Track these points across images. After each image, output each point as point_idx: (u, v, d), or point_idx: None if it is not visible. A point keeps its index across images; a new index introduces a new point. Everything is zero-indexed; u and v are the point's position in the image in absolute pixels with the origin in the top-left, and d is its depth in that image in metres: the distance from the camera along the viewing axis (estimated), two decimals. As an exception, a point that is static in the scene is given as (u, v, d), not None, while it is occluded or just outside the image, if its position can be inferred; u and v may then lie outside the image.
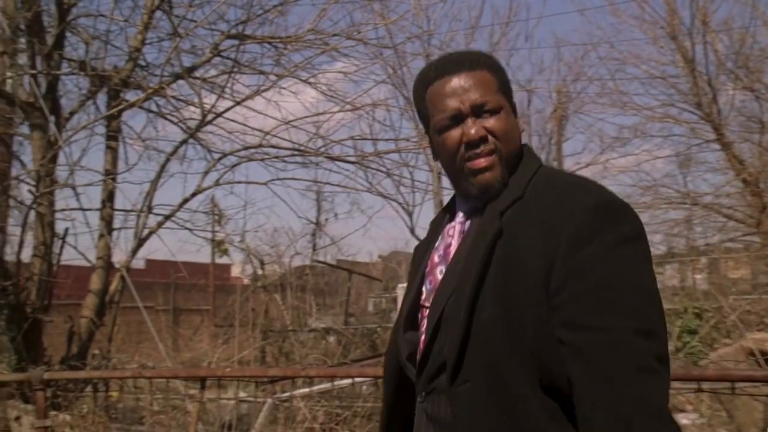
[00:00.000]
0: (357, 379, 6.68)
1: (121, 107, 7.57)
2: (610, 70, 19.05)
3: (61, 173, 7.63)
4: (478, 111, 1.48)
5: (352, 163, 8.74)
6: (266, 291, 10.08)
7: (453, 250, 1.53)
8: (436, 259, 1.57)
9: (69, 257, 8.28)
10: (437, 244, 1.60)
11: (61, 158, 7.55)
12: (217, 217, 8.78)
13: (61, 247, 7.75)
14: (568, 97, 15.55)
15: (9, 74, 7.27)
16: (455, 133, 1.49)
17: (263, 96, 8.10)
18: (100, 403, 5.89)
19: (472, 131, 1.46)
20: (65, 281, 8.25)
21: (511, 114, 1.53)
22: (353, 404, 5.77)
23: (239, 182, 8.20)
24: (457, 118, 1.48)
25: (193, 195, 7.79)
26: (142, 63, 8.14)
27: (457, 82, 1.49)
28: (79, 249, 7.89)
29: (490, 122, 1.48)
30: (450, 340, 1.40)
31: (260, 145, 8.15)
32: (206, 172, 7.89)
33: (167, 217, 7.94)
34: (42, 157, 7.20)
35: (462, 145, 1.48)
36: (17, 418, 4.46)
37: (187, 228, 8.36)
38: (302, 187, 12.93)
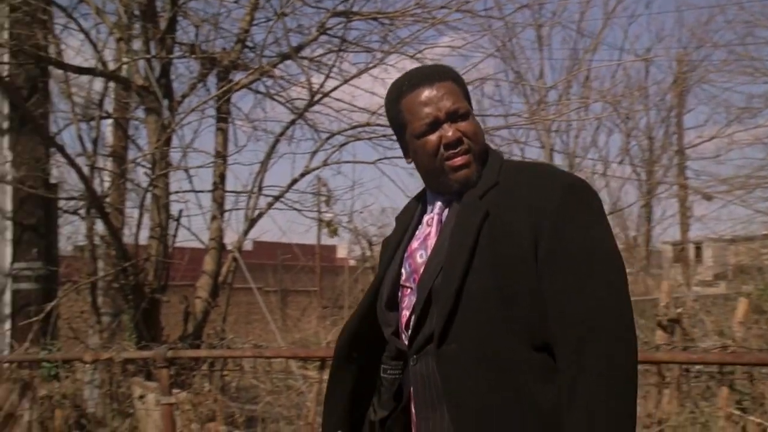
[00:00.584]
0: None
1: (230, 89, 7.78)
2: (739, 35, 18.03)
3: (174, 156, 7.94)
4: (452, 116, 1.74)
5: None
6: (374, 272, 10.18)
7: (432, 236, 1.76)
8: (414, 245, 1.80)
9: (183, 239, 8.63)
10: (417, 232, 1.81)
11: (174, 141, 7.84)
12: (325, 198, 8.92)
13: (176, 229, 8.08)
14: (691, 65, 14.83)
15: (125, 59, 7.59)
16: (433, 137, 1.74)
17: (370, 74, 8.13)
18: (216, 382, 6.12)
19: (450, 134, 1.73)
20: (180, 262, 8.59)
21: (475, 117, 1.79)
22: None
23: (347, 162, 8.28)
24: (435, 124, 1.74)
25: (302, 175, 7.93)
26: (250, 44, 8.33)
27: (430, 92, 1.75)
28: (192, 230, 8.22)
29: (463, 125, 1.74)
30: (439, 311, 1.63)
31: (367, 124, 8.19)
32: (314, 152, 8.01)
33: (277, 198, 8.12)
34: (157, 140, 7.50)
35: (441, 147, 1.73)
36: (141, 397, 4.69)
37: (295, 209, 8.53)
38: (410, 167, 12.87)
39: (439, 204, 1.81)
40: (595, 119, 16.55)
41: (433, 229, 1.78)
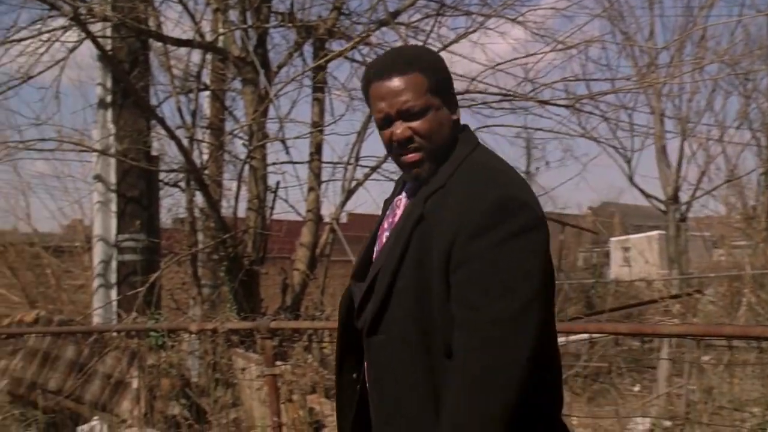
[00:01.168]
0: (573, 338, 6.55)
1: (326, 58, 7.83)
2: None
3: (271, 127, 8.09)
4: (404, 115, 1.74)
5: (564, 106, 8.48)
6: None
7: (396, 221, 1.85)
8: (385, 225, 1.91)
9: (280, 210, 8.79)
10: (388, 212, 1.92)
11: (271, 112, 7.98)
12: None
13: (273, 201, 8.26)
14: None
15: (222, 30, 7.75)
16: (387, 132, 1.78)
17: (469, 39, 8.03)
18: (316, 354, 6.25)
19: (398, 132, 1.75)
20: (277, 234, 8.78)
21: (441, 110, 1.79)
22: (574, 364, 5.66)
23: (445, 131, 8.21)
24: (387, 120, 1.76)
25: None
26: (346, 11, 8.35)
27: (388, 86, 1.75)
28: (289, 202, 8.38)
29: (416, 124, 1.75)
30: (371, 304, 1.77)
31: (466, 92, 8.10)
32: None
33: (374, 169, 8.17)
34: (254, 111, 7.64)
35: (393, 143, 1.77)
36: (243, 369, 4.84)
37: (392, 180, 8.56)
38: (511, 134, 12.73)
39: (408, 186, 1.88)
40: (711, 81, 15.80)
41: (399, 212, 1.88)
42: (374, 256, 1.91)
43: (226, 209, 8.44)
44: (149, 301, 7.45)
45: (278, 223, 9.06)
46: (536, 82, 8.24)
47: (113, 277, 8.07)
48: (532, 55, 8.29)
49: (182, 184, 8.17)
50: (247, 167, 7.91)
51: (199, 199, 8.18)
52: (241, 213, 8.28)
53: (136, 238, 8.00)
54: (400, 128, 1.76)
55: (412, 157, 1.79)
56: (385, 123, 1.79)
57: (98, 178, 8.08)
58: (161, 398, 5.98)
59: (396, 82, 1.76)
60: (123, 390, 6.81)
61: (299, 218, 8.34)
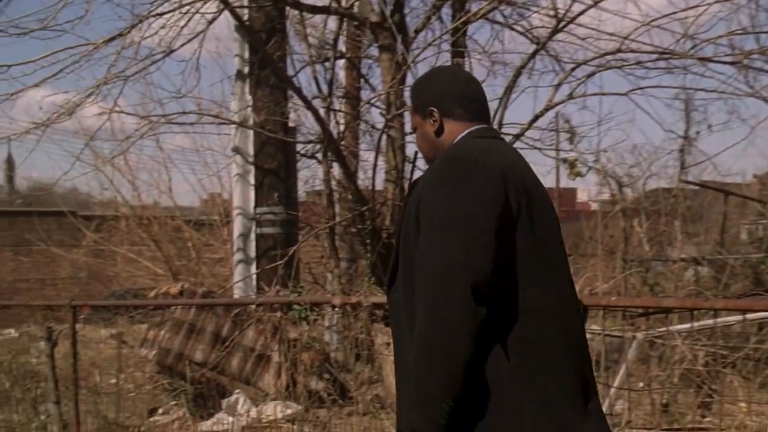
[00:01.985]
0: (732, 318, 6.18)
1: (466, 20, 7.70)
2: None
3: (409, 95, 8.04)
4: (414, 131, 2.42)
5: (730, 63, 7.94)
6: (625, 216, 9.77)
7: None
8: None
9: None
10: None
11: (409, 79, 7.95)
12: (568, 135, 8.64)
13: (412, 171, 8.25)
14: None
15: (358, -5, 7.78)
16: None
17: (621, -8, 7.66)
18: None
19: None
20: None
21: (422, 125, 2.34)
22: (743, 346, 5.34)
23: (594, 94, 7.93)
24: None
25: (545, 111, 7.71)
26: (486, -30, 8.17)
27: None
28: (428, 172, 8.32)
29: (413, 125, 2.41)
30: (389, 268, 2.26)
31: (618, 51, 7.75)
32: (558, 86, 7.76)
33: (517, 137, 7.99)
34: (391, 78, 7.64)
35: None
36: (388, 344, 4.86)
37: (536, 147, 8.37)
38: (668, 96, 12.14)
39: None
40: None
41: None
42: None
43: (363, 181, 8.53)
44: (288, 274, 7.65)
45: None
46: (697, 38, 7.77)
47: (252, 251, 8.33)
48: (692, 8, 7.81)
49: (319, 155, 8.30)
50: (384, 137, 7.93)
51: (336, 170, 8.28)
52: (379, 184, 8.34)
53: (274, 211, 8.22)
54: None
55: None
56: None
57: (236, 150, 8.35)
58: (303, 372, 6.14)
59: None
60: (265, 363, 7.04)
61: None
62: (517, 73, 7.74)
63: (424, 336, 1.94)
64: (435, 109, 2.32)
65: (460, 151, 2.16)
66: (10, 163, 39.17)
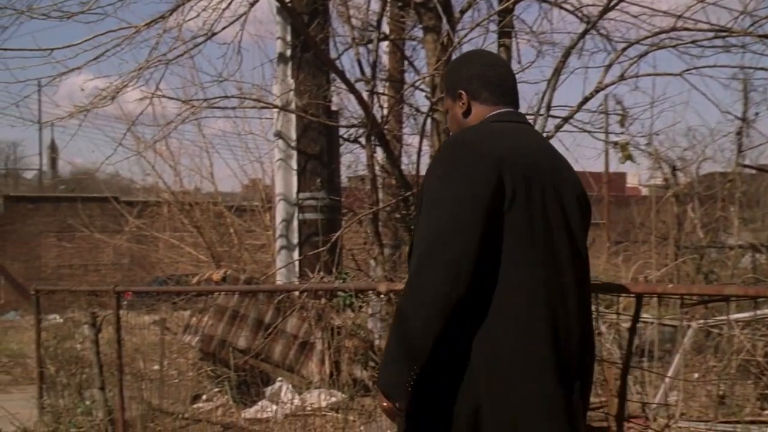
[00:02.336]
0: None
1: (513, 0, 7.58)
2: None
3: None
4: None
5: (791, 41, 7.72)
6: (678, 201, 9.59)
7: None
8: None
9: (464, 166, 8.69)
10: None
11: (454, 61, 7.86)
12: (619, 117, 8.48)
13: (457, 156, 8.16)
14: None
15: (403, -25, 7.71)
16: None
17: (676, -32, 7.47)
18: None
19: None
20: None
21: (452, 107, 2.53)
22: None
23: (646, 75, 7.76)
24: None
25: (595, 92, 7.56)
26: (534, -54, 8.04)
27: None
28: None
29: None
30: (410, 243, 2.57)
31: (672, 29, 7.56)
32: (609, 66, 7.59)
33: (565, 119, 7.86)
34: (436, 60, 7.55)
35: None
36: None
37: (586, 131, 8.23)
38: (725, 76, 11.84)
39: None
40: None
41: None
42: None
43: (407, 165, 8.49)
44: (331, 261, 7.66)
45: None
46: (756, 15, 7.55)
47: (295, 237, 8.36)
48: (751, -17, 7.59)
49: (362, 139, 8.27)
50: (429, 121, 7.87)
51: (379, 155, 8.25)
52: (423, 169, 8.28)
53: (317, 197, 8.24)
54: None
55: None
56: None
57: (279, 135, 8.37)
58: (347, 360, 6.14)
59: None
60: (308, 351, 7.08)
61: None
62: (567, 54, 7.60)
63: (401, 307, 2.20)
64: (463, 92, 2.48)
65: (465, 135, 2.36)
66: (53, 148, 39.93)
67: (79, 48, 7.30)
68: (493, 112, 2.43)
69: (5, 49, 7.42)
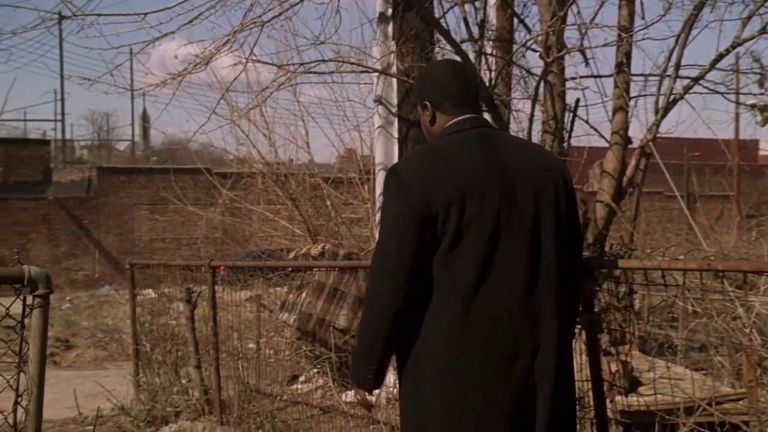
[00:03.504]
0: None
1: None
2: None
3: (570, 35, 7.72)
4: None
5: None
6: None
7: None
8: None
9: (580, 133, 8.44)
10: None
11: (570, 18, 7.59)
12: (758, 76, 8.02)
13: (572, 122, 7.92)
14: None
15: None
16: None
17: None
18: (626, 299, 5.93)
19: None
20: (577, 160, 8.48)
21: (422, 115, 3.03)
22: None
23: (793, 28, 7.29)
24: None
25: (732, 48, 7.17)
26: None
27: None
28: (591, 123, 8.01)
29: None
30: None
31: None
32: (748, 18, 7.18)
33: (696, 80, 7.50)
34: (551, 17, 7.30)
35: None
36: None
37: (718, 92, 7.83)
38: None
39: None
40: None
41: None
42: None
43: (516, 132, 8.27)
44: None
45: (577, 149, 8.74)
46: None
47: (395, 209, 8.29)
48: None
49: (469, 105, 8.08)
50: (542, 84, 7.63)
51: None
52: (535, 136, 8.07)
53: (419, 167, 8.11)
54: None
55: None
56: None
57: (379, 100, 8.27)
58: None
59: None
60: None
61: (604, 142, 7.95)
62: (699, 6, 7.22)
63: (363, 312, 2.86)
64: (428, 103, 2.97)
65: (400, 167, 2.90)
66: (145, 118, 41.19)
67: (172, 12, 7.38)
68: (453, 121, 2.90)
69: (99, 15, 7.56)
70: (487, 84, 7.71)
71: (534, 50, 7.93)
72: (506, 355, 2.66)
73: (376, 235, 8.26)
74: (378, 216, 7.83)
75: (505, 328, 2.66)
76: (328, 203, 12.21)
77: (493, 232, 2.67)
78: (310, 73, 8.41)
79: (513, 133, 8.19)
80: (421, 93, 3.02)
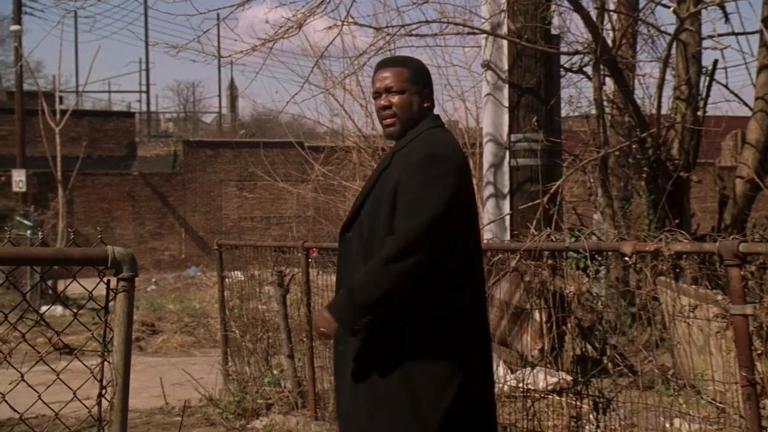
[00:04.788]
0: None
1: None
2: None
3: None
4: (387, 90, 3.41)
5: None
6: None
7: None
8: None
9: (717, 99, 8.14)
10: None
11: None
12: None
13: (708, 87, 7.62)
14: None
15: None
16: (378, 102, 3.45)
17: None
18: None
19: (381, 101, 3.42)
20: (716, 130, 8.17)
21: (414, 95, 3.42)
22: None
23: None
24: (378, 93, 3.44)
25: None
26: None
27: (381, 73, 3.46)
28: (730, 88, 7.71)
29: (393, 99, 3.40)
30: (349, 213, 3.47)
31: None
32: None
33: None
34: (685, -33, 7.00)
35: (379, 110, 3.45)
36: (694, 308, 4.43)
37: None
38: None
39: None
40: None
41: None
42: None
43: (642, 100, 8.04)
44: (549, 214, 7.36)
45: (714, 118, 8.42)
46: None
47: (505, 186, 8.11)
48: None
49: (589, 69, 7.87)
50: (674, 44, 7.34)
51: (608, 87, 7.84)
52: (665, 104, 7.82)
53: (532, 138, 7.92)
54: (383, 99, 3.38)
55: (387, 120, 3.38)
56: (376, 95, 3.41)
57: (487, 65, 8.10)
58: (571, 334, 5.84)
59: (387, 71, 3.41)
60: (523, 321, 6.83)
61: (745, 110, 7.62)
62: None
63: (387, 272, 3.08)
64: (431, 94, 3.54)
65: (442, 143, 3.38)
66: (233, 88, 41.86)
67: (262, -30, 7.36)
68: (436, 114, 3.52)
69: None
70: (610, 45, 7.46)
71: (665, 5, 7.66)
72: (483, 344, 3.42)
73: (504, 208, 8.18)
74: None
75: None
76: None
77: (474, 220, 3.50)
78: (410, 36, 8.32)
79: (639, 101, 7.93)
80: (428, 79, 3.52)
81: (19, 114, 23.73)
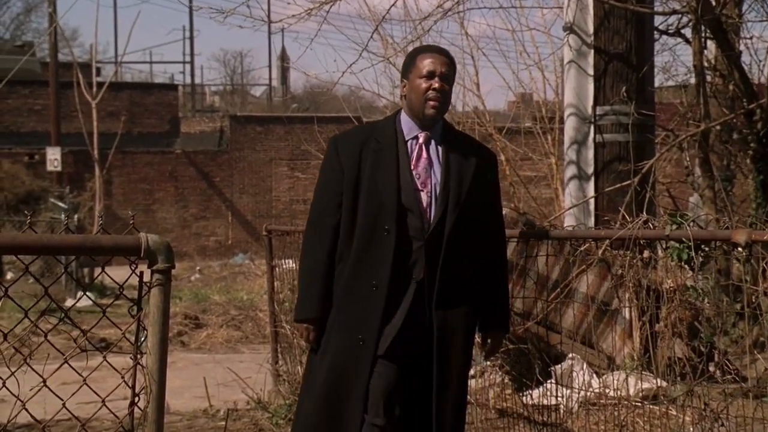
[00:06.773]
0: None
1: None
2: None
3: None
4: (443, 77, 3.92)
5: None
6: None
7: (435, 161, 4.01)
8: (420, 165, 3.99)
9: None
10: (410, 152, 4.01)
11: None
12: None
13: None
14: None
15: None
16: (430, 82, 3.89)
17: None
18: None
19: (435, 84, 3.89)
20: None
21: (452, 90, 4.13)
22: None
23: None
24: (432, 74, 3.90)
25: None
26: None
27: (440, 57, 3.97)
28: None
29: (446, 87, 3.96)
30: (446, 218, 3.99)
31: None
32: None
33: None
34: None
35: (430, 90, 3.90)
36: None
37: None
38: None
39: (421, 135, 3.99)
40: None
41: (426, 154, 3.98)
42: (419, 184, 3.97)
43: (750, 66, 7.83)
44: (641, 197, 7.22)
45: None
46: None
47: (590, 165, 7.97)
48: None
49: (687, 31, 7.66)
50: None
51: (711, 52, 7.64)
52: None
53: (620, 111, 7.77)
54: (437, 82, 3.88)
55: (436, 102, 3.90)
56: (429, 75, 3.89)
57: (570, 28, 7.96)
58: (667, 334, 5.71)
59: (446, 59, 3.98)
60: (610, 319, 6.73)
61: None
62: None
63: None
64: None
65: None
66: (284, 58, 42.04)
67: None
68: None
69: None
70: (713, 2, 7.25)
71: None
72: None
73: (589, 190, 8.08)
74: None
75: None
76: (502, 158, 11.96)
77: None
78: (481, -4, 8.21)
79: (746, 67, 7.74)
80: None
81: (54, 87, 24.13)
